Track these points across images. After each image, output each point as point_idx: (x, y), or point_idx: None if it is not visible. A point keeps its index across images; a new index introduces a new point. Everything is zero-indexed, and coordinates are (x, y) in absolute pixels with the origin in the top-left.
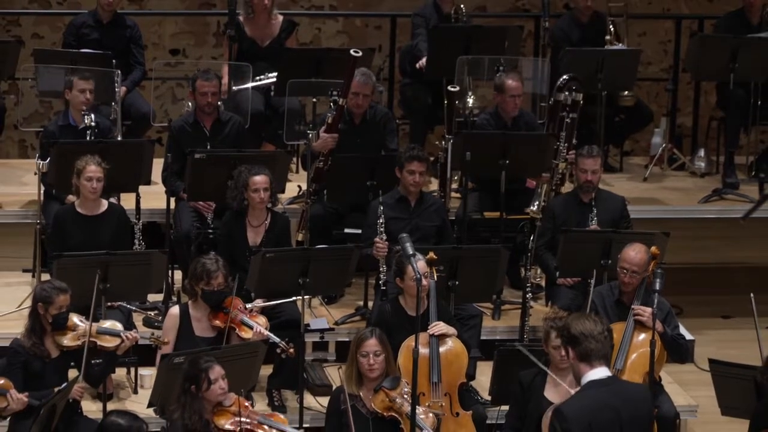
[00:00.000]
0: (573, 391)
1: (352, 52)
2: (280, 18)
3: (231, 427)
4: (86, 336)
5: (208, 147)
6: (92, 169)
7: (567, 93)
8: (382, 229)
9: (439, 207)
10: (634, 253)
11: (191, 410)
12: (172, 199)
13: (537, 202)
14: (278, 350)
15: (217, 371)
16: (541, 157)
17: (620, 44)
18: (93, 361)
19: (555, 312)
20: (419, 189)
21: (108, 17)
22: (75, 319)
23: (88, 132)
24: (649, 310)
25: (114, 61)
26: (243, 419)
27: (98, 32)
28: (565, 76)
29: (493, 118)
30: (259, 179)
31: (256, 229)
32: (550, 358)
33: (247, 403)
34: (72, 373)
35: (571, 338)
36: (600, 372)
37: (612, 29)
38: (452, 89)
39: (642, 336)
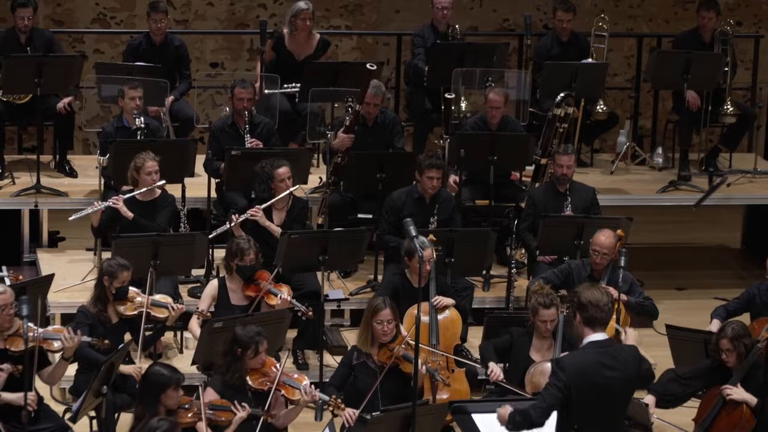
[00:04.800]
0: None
1: (368, 66)
2: (318, 37)
3: (262, 387)
4: (142, 306)
5: (246, 143)
6: (150, 165)
7: (562, 108)
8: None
9: (448, 200)
10: (605, 238)
11: (234, 369)
12: (213, 190)
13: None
14: (299, 314)
15: (265, 345)
16: (523, 155)
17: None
18: (145, 327)
19: (541, 286)
20: (436, 191)
21: (160, 40)
22: (133, 292)
23: (138, 132)
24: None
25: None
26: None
27: (152, 52)
28: (561, 94)
29: (481, 121)
30: (283, 170)
31: (280, 211)
32: (535, 328)
33: (278, 367)
34: (127, 337)
35: (580, 305)
36: (599, 335)
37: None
38: (449, 96)
39: None
